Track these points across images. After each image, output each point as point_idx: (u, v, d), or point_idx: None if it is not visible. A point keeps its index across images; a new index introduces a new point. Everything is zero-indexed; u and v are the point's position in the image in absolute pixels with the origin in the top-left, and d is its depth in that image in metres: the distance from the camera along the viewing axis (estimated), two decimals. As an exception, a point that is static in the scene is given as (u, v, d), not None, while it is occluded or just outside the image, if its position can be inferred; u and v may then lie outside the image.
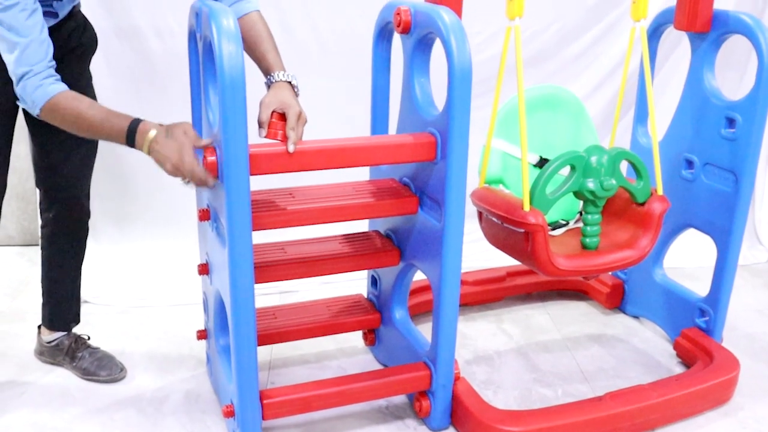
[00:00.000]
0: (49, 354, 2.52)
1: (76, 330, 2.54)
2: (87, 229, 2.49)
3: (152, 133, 1.85)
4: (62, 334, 2.50)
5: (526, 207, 2.08)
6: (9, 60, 1.90)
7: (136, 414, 2.28)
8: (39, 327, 2.54)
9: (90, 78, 2.40)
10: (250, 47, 2.08)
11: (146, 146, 1.85)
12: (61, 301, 2.48)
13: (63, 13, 2.17)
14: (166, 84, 3.27)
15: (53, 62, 1.94)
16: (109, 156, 3.36)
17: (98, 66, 3.23)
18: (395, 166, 2.26)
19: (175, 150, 1.82)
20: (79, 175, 2.38)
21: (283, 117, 1.91)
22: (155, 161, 1.87)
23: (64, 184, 2.35)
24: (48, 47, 1.93)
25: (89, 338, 2.56)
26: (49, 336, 2.50)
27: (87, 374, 2.46)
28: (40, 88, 1.90)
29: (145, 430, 2.21)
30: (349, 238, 2.35)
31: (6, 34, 1.87)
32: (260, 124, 1.91)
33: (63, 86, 1.92)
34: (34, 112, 1.94)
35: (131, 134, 1.86)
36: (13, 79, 1.91)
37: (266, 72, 2.07)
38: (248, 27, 2.08)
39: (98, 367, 2.47)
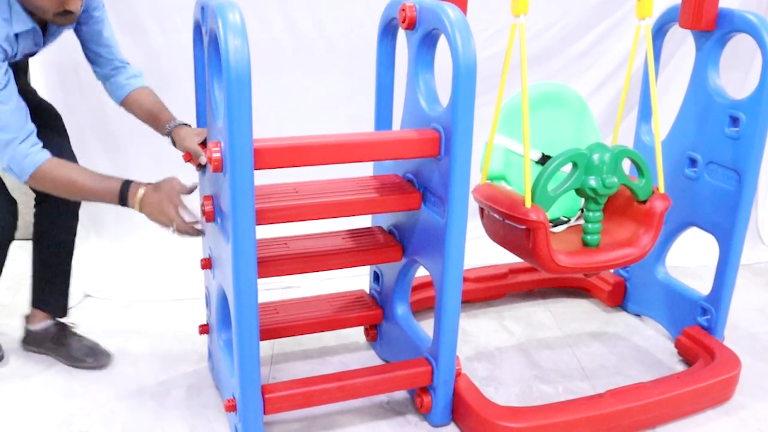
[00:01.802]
0: (35, 342, 2.53)
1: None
2: (74, 227, 2.52)
3: (141, 192, 2.02)
4: (49, 322, 2.51)
5: (528, 204, 2.09)
6: None
7: (138, 408, 2.28)
8: (26, 317, 2.55)
9: (35, 91, 2.49)
10: (153, 115, 2.30)
11: (137, 206, 2.03)
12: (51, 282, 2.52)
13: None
14: (170, 79, 3.27)
15: (33, 125, 2.03)
16: (111, 152, 3.37)
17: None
18: (399, 162, 2.26)
19: (167, 207, 2.00)
20: None
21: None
22: (147, 217, 2.04)
23: None
24: (26, 112, 2.03)
25: (75, 326, 2.57)
26: (36, 325, 2.51)
27: (73, 361, 2.48)
28: (28, 157, 2.01)
29: (147, 423, 2.21)
30: (352, 233, 2.36)
31: None
32: (196, 154, 2.08)
33: (48, 153, 2.05)
34: (22, 179, 2.04)
35: (123, 197, 2.04)
36: (3, 149, 2.00)
37: (165, 122, 2.26)
38: (146, 98, 2.35)
39: (85, 354, 2.49)
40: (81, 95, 3.22)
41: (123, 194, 2.04)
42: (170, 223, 2.02)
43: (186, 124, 2.24)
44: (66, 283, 2.55)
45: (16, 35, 2.06)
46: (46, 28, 2.19)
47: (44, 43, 2.23)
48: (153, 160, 3.42)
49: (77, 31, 2.30)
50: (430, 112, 2.05)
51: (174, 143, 2.23)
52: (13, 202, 2.31)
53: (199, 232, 2.08)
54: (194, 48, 2.12)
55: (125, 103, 2.38)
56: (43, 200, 2.41)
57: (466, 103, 1.88)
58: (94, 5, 2.25)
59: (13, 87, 2.01)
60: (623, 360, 2.64)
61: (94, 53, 2.34)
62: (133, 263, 3.14)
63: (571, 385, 2.47)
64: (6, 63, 2.01)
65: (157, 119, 2.29)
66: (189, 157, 2.15)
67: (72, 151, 2.43)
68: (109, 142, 3.35)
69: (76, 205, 2.47)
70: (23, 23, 2.06)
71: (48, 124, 2.32)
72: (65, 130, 2.46)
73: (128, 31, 3.21)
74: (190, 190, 2.09)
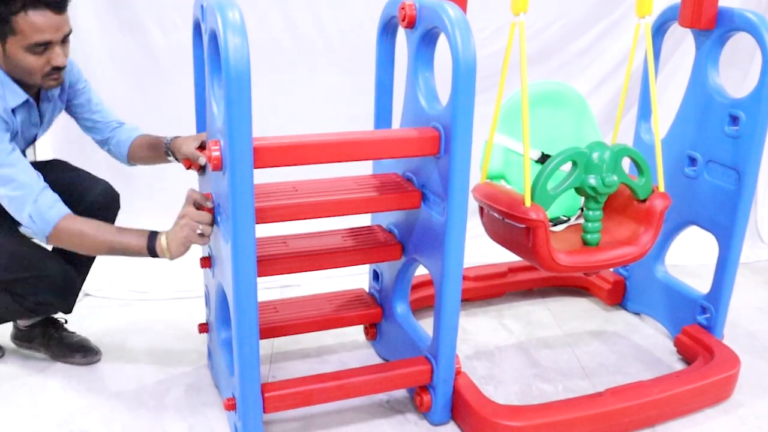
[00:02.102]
0: (25, 338, 2.53)
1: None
2: None
3: (163, 240, 2.04)
4: (39, 318, 2.51)
5: (528, 203, 2.08)
6: (12, 193, 2.05)
7: (138, 406, 2.28)
8: None
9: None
10: (152, 147, 2.35)
11: (167, 254, 2.04)
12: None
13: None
14: (169, 78, 3.27)
15: (46, 183, 2.10)
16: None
17: (102, 60, 3.25)
18: (398, 161, 2.26)
19: (185, 229, 2.00)
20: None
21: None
22: (183, 253, 2.05)
23: None
24: (37, 172, 2.09)
25: (66, 322, 2.58)
26: (27, 321, 2.51)
27: (63, 357, 2.49)
28: (52, 209, 2.06)
29: (147, 422, 2.21)
30: (351, 232, 2.36)
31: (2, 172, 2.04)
32: (194, 157, 2.11)
33: (67, 207, 2.09)
34: (44, 233, 2.06)
35: (152, 252, 2.05)
36: (22, 205, 2.04)
37: (159, 141, 2.33)
38: (143, 140, 2.39)
39: (74, 350, 2.49)
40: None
41: (152, 251, 2.06)
42: (192, 236, 2.01)
43: (179, 136, 2.27)
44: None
45: (13, 110, 2.13)
46: (39, 104, 2.27)
47: (41, 122, 2.31)
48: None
49: (69, 110, 2.40)
50: (430, 110, 2.05)
51: (175, 157, 2.26)
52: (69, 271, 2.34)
53: (211, 211, 2.03)
54: (194, 47, 2.12)
55: (130, 156, 2.45)
56: None
57: (465, 101, 1.88)
58: (75, 79, 2.36)
59: (19, 152, 2.09)
60: (623, 358, 2.64)
61: (90, 121, 2.43)
62: (132, 262, 3.13)
63: (570, 384, 2.47)
64: (9, 134, 2.08)
65: (155, 148, 2.35)
66: (189, 163, 2.16)
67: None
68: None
69: None
70: (17, 96, 2.13)
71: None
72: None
73: (128, 30, 3.21)
74: (209, 206, 2.05)
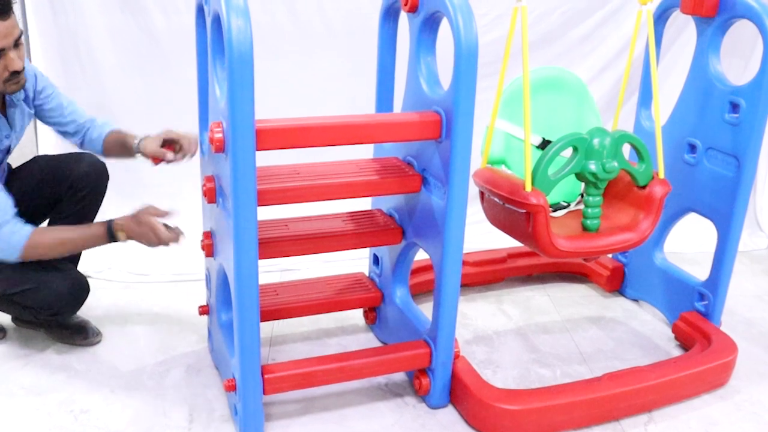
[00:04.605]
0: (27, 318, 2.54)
1: None
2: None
3: (123, 226, 2.22)
4: None
5: (528, 188, 2.09)
6: None
7: (138, 387, 2.30)
8: None
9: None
10: (122, 145, 2.43)
11: (125, 237, 2.23)
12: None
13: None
14: (170, 61, 3.27)
15: (14, 207, 2.19)
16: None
17: (102, 42, 3.25)
18: (399, 145, 2.27)
19: (148, 231, 2.20)
20: None
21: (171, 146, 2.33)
22: (136, 241, 2.25)
23: None
24: (7, 196, 2.18)
25: None
26: None
27: (64, 338, 2.51)
28: (15, 233, 2.16)
29: (147, 403, 2.23)
30: (352, 216, 2.37)
31: None
32: (160, 154, 2.30)
33: (30, 226, 2.20)
34: (14, 256, 2.17)
35: (111, 237, 2.23)
36: None
37: (129, 142, 2.41)
38: (114, 136, 2.47)
39: (75, 331, 2.51)
40: (83, 79, 3.22)
41: (110, 234, 2.23)
42: (155, 242, 2.22)
43: (147, 136, 2.37)
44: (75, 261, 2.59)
45: None
46: (5, 111, 2.31)
47: (11, 130, 2.34)
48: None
49: (41, 116, 2.44)
50: (432, 95, 2.05)
51: (144, 156, 2.37)
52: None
53: (179, 236, 2.25)
54: (197, 29, 2.12)
55: (105, 153, 2.51)
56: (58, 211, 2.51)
57: (467, 86, 1.88)
58: (41, 87, 2.39)
59: None
60: (621, 344, 2.65)
61: (63, 124, 2.47)
62: (132, 244, 3.15)
63: (568, 369, 2.49)
64: None
65: (126, 149, 2.42)
66: (157, 160, 2.31)
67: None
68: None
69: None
70: None
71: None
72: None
73: (129, 12, 3.20)
74: (165, 214, 2.25)
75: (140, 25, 3.23)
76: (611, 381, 2.21)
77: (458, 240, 2.04)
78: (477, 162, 2.27)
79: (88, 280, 2.42)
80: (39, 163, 2.51)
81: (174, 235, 2.22)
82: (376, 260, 2.55)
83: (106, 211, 2.57)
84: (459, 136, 1.92)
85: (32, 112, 2.41)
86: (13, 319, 2.58)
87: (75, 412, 2.17)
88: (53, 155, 2.55)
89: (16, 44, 2.12)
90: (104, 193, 2.54)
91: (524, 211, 2.11)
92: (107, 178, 2.53)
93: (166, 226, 2.22)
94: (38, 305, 2.31)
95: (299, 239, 2.19)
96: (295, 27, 3.33)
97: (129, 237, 2.23)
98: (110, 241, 2.25)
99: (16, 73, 2.14)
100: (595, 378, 2.26)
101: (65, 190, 2.44)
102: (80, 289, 2.36)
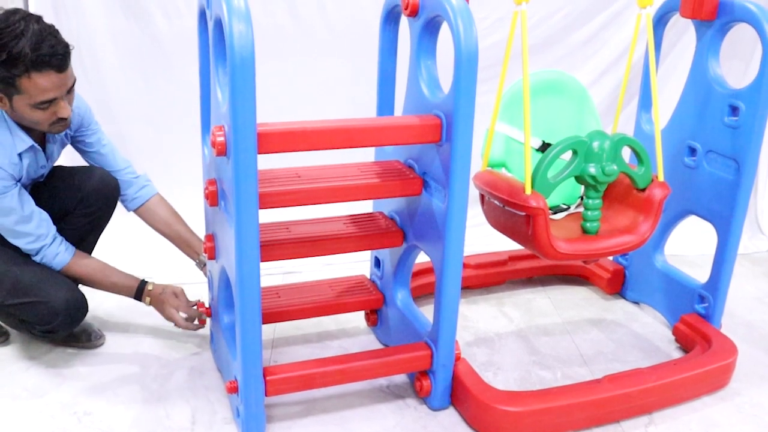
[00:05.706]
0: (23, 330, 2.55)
1: None
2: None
3: (151, 293, 2.45)
4: None
5: (528, 190, 2.10)
6: (27, 247, 2.30)
7: (141, 390, 2.31)
8: None
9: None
10: (168, 225, 2.59)
11: (149, 304, 2.46)
12: None
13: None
14: (172, 64, 3.29)
15: (54, 228, 2.34)
16: (113, 135, 3.38)
17: (105, 46, 3.27)
18: (400, 148, 2.28)
19: (168, 317, 2.45)
20: None
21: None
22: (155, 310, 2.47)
23: None
24: (46, 218, 2.32)
25: None
26: None
27: (67, 341, 2.51)
28: (58, 255, 2.34)
29: (150, 405, 2.24)
30: (353, 219, 2.37)
31: (9, 216, 2.23)
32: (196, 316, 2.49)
33: (73, 250, 2.38)
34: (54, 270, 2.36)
35: (138, 296, 2.46)
36: (30, 250, 2.31)
37: (194, 251, 2.58)
38: (162, 211, 2.59)
39: (78, 333, 2.52)
40: (86, 82, 3.23)
41: (137, 295, 2.45)
42: (171, 321, 2.45)
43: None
44: None
45: (20, 155, 2.24)
46: (45, 146, 2.37)
47: (48, 163, 2.40)
48: (155, 146, 3.45)
49: (80, 146, 2.51)
50: (432, 98, 2.06)
51: (202, 271, 2.56)
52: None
53: (199, 328, 2.49)
54: (199, 33, 2.13)
55: (139, 212, 2.59)
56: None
57: (467, 89, 1.89)
58: (87, 121, 2.46)
59: (30, 204, 2.27)
60: (621, 346, 2.66)
61: (96, 156, 2.52)
62: (136, 246, 3.15)
63: (569, 371, 2.50)
64: (18, 186, 2.23)
65: (185, 242, 2.58)
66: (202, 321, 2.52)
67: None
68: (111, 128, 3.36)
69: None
70: (23, 142, 2.24)
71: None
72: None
73: (132, 16, 3.22)
74: (189, 306, 2.47)
75: (142, 29, 3.25)
76: (612, 383, 2.22)
77: (459, 242, 2.05)
78: (477, 165, 2.28)
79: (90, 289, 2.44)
80: (51, 174, 2.50)
81: (193, 327, 2.47)
82: (377, 263, 2.56)
83: (112, 217, 2.58)
84: (459, 140, 1.94)
85: (68, 142, 2.46)
86: None
87: (78, 414, 2.18)
88: (65, 167, 2.55)
89: (69, 91, 2.16)
90: (114, 207, 2.54)
91: (524, 213, 2.12)
92: (118, 194, 2.53)
93: (192, 305, 2.47)
94: (34, 320, 2.32)
95: (301, 242, 2.20)
96: (296, 30, 3.34)
97: (152, 304, 2.46)
98: (134, 298, 2.46)
99: (62, 120, 2.18)
100: (595, 380, 2.26)
101: (75, 204, 2.45)
102: (76, 308, 2.33)
